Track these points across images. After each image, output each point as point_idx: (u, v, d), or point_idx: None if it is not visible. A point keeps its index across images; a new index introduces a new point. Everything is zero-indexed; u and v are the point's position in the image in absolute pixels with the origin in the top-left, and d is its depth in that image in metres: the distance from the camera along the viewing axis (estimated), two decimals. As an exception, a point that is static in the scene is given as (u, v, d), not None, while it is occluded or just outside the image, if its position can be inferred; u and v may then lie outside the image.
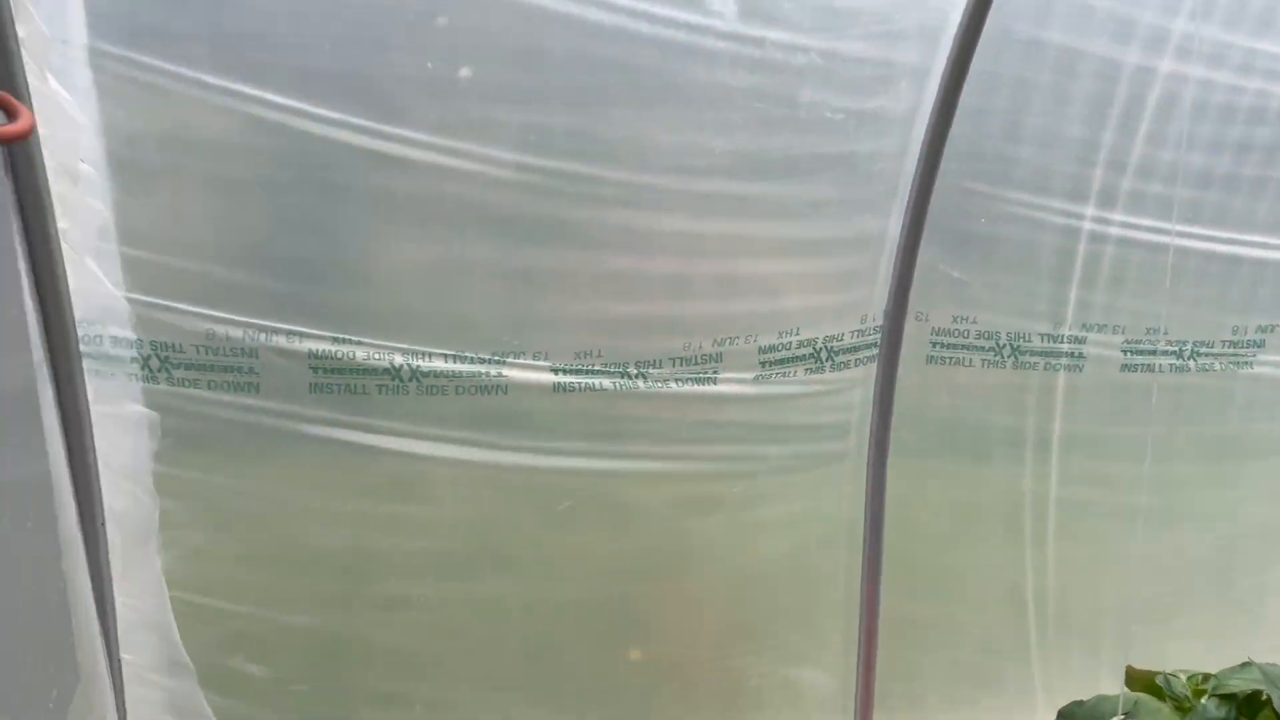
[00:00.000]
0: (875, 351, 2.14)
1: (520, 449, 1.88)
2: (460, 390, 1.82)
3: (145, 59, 1.54)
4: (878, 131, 1.95)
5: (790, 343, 2.02)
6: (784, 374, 2.04)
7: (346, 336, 1.76)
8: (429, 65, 1.64)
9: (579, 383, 1.87)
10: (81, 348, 1.70)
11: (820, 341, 2.05)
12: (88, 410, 1.74)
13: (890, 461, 2.21)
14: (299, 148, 1.65)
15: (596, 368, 1.88)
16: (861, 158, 1.96)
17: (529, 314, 1.83)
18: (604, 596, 2.02)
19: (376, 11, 1.57)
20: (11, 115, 0.67)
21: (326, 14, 1.55)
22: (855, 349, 2.11)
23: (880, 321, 2.12)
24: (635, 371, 1.90)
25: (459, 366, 1.81)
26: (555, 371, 1.86)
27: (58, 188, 1.59)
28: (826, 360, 2.09)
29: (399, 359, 1.79)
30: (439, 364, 1.81)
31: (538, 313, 1.84)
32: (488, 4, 1.63)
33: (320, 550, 1.89)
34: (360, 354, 1.77)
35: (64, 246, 1.63)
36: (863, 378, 2.16)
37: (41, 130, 1.55)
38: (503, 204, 1.78)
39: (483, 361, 1.82)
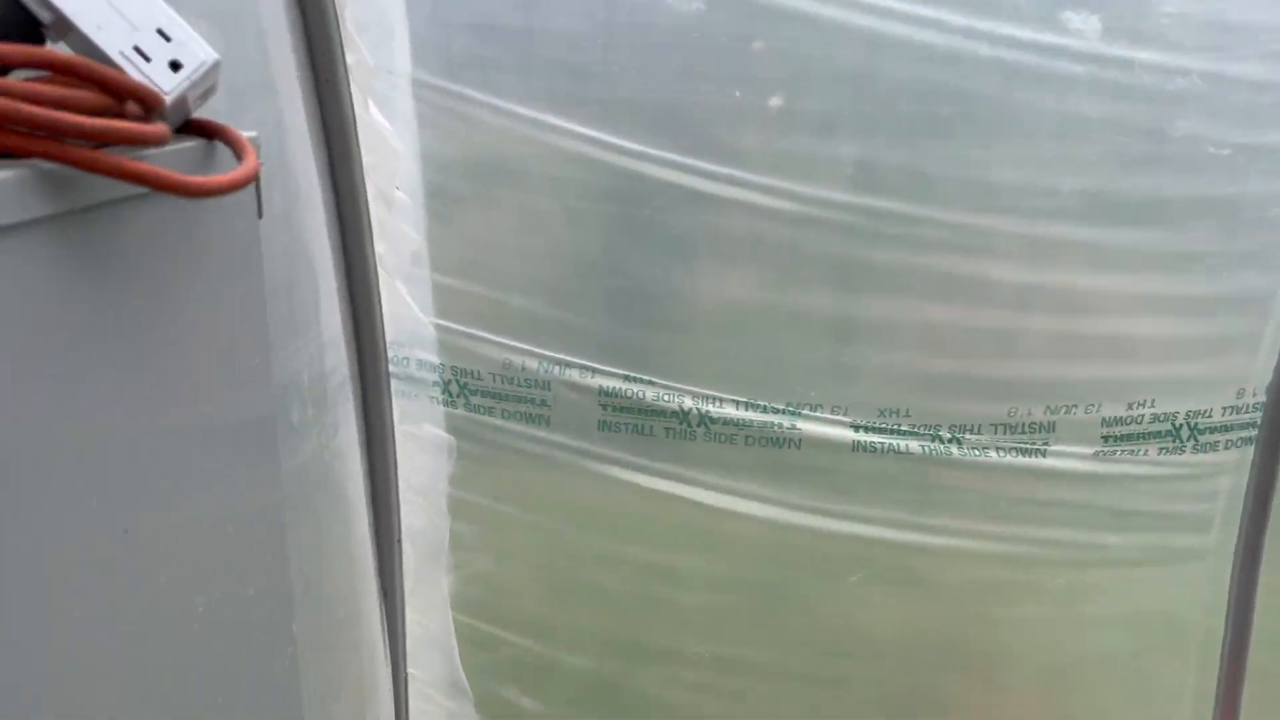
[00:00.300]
0: (1252, 433, 1.78)
1: (811, 510, 1.72)
2: (750, 440, 1.69)
3: (459, 88, 1.54)
4: (1273, 170, 1.61)
5: (1142, 416, 1.72)
6: (1132, 451, 1.73)
7: (637, 375, 1.69)
8: (740, 95, 1.53)
9: (882, 443, 1.69)
10: (390, 368, 1.76)
11: (1181, 417, 1.73)
12: (392, 429, 1.79)
13: (1263, 567, 1.83)
14: (605, 180, 1.60)
15: (903, 428, 1.68)
16: (1250, 202, 1.63)
17: (831, 364, 1.68)
18: (893, 681, 1.81)
19: (687, 37, 1.48)
20: (239, 155, 0.61)
21: (635, 42, 1.48)
22: (1227, 428, 1.77)
23: (1261, 398, 1.76)
24: (949, 436, 1.68)
25: (751, 415, 1.69)
26: (856, 429, 1.68)
27: (376, 213, 1.64)
28: (1188, 439, 1.76)
29: (688, 402, 1.69)
30: (730, 410, 1.69)
31: (841, 363, 1.68)
32: (806, 27, 1.49)
33: (599, 590, 1.83)
34: (650, 394, 1.69)
35: (380, 271, 1.68)
36: (1234, 463, 1.80)
37: (365, 158, 1.60)
38: (814, 244, 1.63)
39: (776, 411, 1.68)
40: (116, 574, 0.58)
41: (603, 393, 1.70)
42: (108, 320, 0.57)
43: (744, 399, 1.68)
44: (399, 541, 1.85)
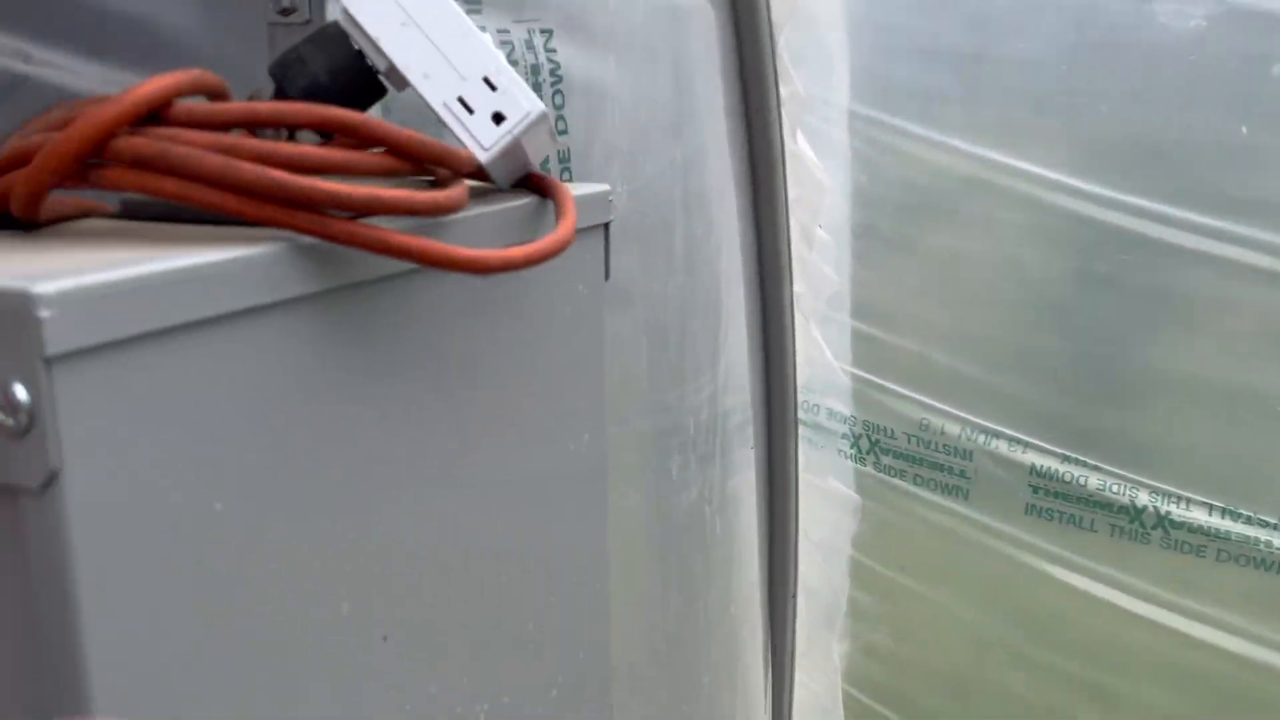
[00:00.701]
0: None
1: (1300, 656, 1.36)
2: (1224, 556, 1.36)
3: (898, 122, 1.39)
4: None
5: None
6: None
7: (1080, 456, 1.43)
8: (1245, 131, 1.22)
9: None
10: (800, 415, 1.65)
11: None
12: (796, 478, 1.69)
13: None
14: (1058, 228, 1.37)
15: None
16: None
17: (1348, 476, 1.31)
18: None
19: (1180, 61, 1.21)
20: (558, 219, 0.53)
21: (1110, 67, 1.23)
22: None
23: None
24: None
25: (1228, 524, 1.36)
26: (1378, 563, 1.30)
27: (797, 250, 1.54)
28: None
29: (1144, 497, 1.40)
30: (1199, 516, 1.37)
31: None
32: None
33: (1009, 696, 1.59)
34: (1093, 481, 1.43)
35: (795, 312, 1.58)
36: None
37: (791, 192, 1.50)
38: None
39: (1265, 525, 1.34)
40: (409, 622, 0.52)
41: (1034, 472, 1.46)
42: (402, 386, 0.51)
43: (1220, 503, 1.36)
44: (793, 597, 1.74)
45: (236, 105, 0.44)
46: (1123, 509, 1.41)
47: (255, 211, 0.42)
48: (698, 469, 1.31)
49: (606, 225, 0.69)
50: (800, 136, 1.44)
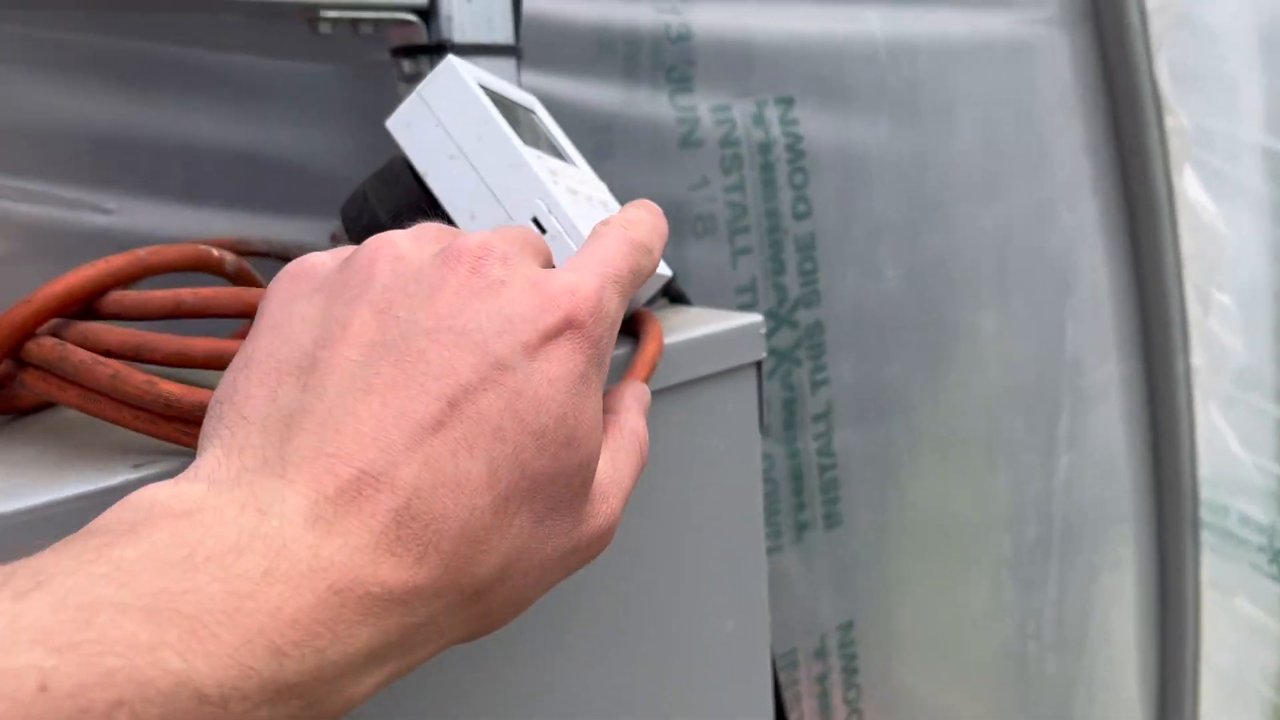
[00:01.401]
0: None
1: None
2: None
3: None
4: None
5: None
6: None
7: None
8: None
9: None
10: (1202, 515, 1.35)
11: None
12: (1196, 591, 1.38)
13: None
14: None
15: None
16: None
17: None
18: None
19: None
20: (645, 341, 0.44)
21: None
22: None
23: None
24: None
25: None
26: None
27: (1191, 312, 1.25)
28: None
29: None
30: None
31: None
32: None
33: None
34: None
35: (1191, 389, 1.29)
36: None
37: (1184, 244, 1.23)
38: None
39: None
40: None
41: None
42: None
43: None
44: (1194, 733, 1.42)
45: (162, 294, 0.38)
46: None
47: (154, 429, 0.36)
48: (1016, 598, 1.08)
49: (759, 364, 0.56)
50: (1191, 178, 1.17)
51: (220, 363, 0.37)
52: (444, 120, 0.48)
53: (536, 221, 0.46)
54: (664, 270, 0.52)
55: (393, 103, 0.49)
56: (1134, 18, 1.11)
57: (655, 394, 0.53)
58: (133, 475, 0.36)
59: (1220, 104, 1.14)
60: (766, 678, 0.59)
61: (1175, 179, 1.18)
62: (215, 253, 0.43)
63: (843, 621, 0.88)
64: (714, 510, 0.55)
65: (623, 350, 0.50)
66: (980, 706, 1.05)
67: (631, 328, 0.51)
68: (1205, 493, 1.32)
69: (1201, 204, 1.17)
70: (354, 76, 0.62)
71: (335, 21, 0.56)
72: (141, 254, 0.40)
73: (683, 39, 0.72)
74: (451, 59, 0.48)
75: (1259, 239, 1.19)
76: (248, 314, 0.39)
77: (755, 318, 0.55)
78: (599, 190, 0.52)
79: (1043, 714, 1.15)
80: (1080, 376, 1.18)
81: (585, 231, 0.45)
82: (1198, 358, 1.27)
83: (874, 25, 0.82)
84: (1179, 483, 1.33)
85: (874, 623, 0.89)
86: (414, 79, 0.60)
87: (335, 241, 0.54)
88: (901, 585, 0.91)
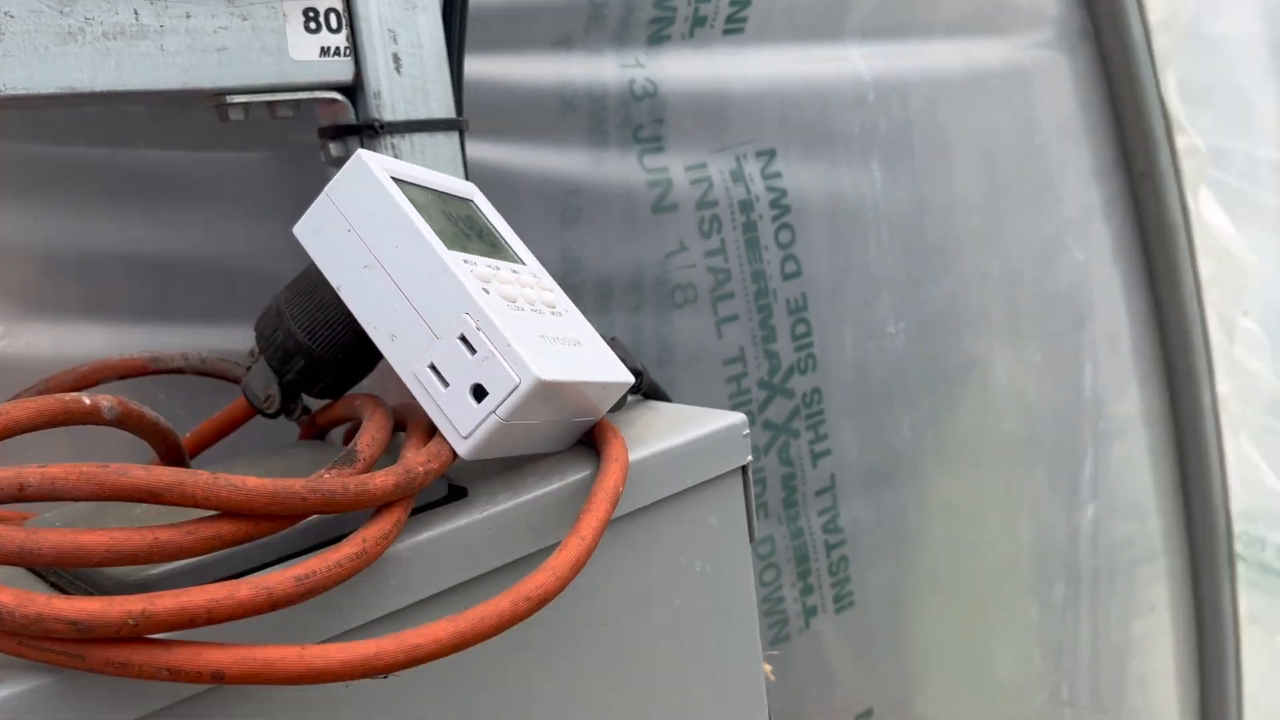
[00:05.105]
0: None
1: None
2: None
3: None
4: None
5: None
6: None
7: None
8: None
9: None
10: (1237, 549, 1.27)
11: None
12: (1235, 628, 1.31)
13: None
14: None
15: None
16: None
17: None
18: None
19: None
20: (586, 507, 0.37)
21: None
22: None
23: None
24: None
25: None
26: None
27: (1215, 339, 1.18)
28: None
29: None
30: None
31: None
32: None
33: None
34: None
35: (1220, 419, 1.22)
36: None
37: (1203, 270, 1.16)
38: None
39: None
40: None
41: None
42: None
43: None
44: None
45: (2, 474, 0.32)
46: None
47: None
48: (1045, 662, 1.01)
49: (745, 468, 0.49)
50: (1209, 201, 1.10)
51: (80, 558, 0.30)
52: (356, 225, 0.41)
53: (464, 339, 0.39)
54: (624, 378, 0.45)
55: (314, 188, 0.43)
56: (1137, 34, 1.05)
57: (626, 518, 0.46)
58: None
59: (1234, 120, 1.08)
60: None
61: (1191, 201, 1.12)
62: (86, 401, 0.37)
63: (861, 710, 0.80)
64: (702, 640, 0.48)
65: (585, 473, 0.43)
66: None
67: (593, 442, 0.45)
68: (1239, 526, 1.26)
69: (1220, 226, 1.10)
70: (280, 163, 0.55)
71: (246, 107, 0.49)
72: (-9, 414, 0.34)
73: (648, 95, 0.65)
74: (361, 154, 0.42)
75: (1277, 259, 1.13)
76: (104, 496, 0.32)
77: (738, 417, 0.48)
78: (546, 291, 0.45)
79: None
80: (1101, 415, 1.11)
81: (521, 349, 0.39)
82: (1224, 386, 1.20)
83: (860, 65, 0.75)
84: (1211, 517, 1.26)
85: (895, 708, 0.82)
86: (341, 163, 0.53)
87: (253, 357, 0.48)
88: (923, 664, 0.84)
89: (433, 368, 0.40)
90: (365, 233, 0.41)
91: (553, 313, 0.44)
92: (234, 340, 0.53)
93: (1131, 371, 1.17)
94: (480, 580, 0.40)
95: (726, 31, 0.68)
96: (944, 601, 0.85)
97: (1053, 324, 0.99)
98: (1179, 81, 1.05)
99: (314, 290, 0.44)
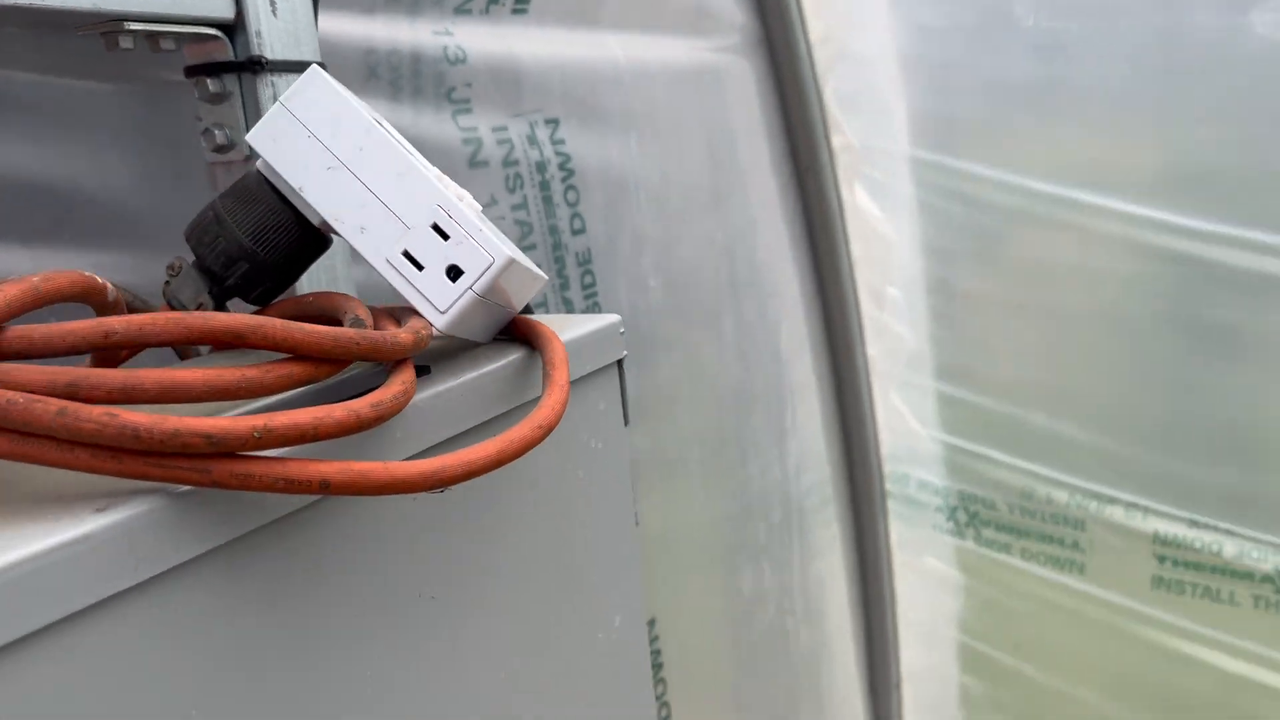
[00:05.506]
0: None
1: None
2: (1392, 627, 1.18)
3: (965, 165, 1.25)
4: None
5: None
6: None
7: (1210, 521, 1.26)
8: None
9: None
10: (887, 487, 1.51)
11: None
12: (888, 557, 1.55)
13: None
14: (1157, 270, 1.21)
15: None
16: None
17: None
18: None
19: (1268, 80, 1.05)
20: (545, 385, 0.42)
21: (1203, 89, 1.08)
22: None
23: None
24: None
25: (1394, 590, 1.18)
26: None
27: (867, 312, 1.41)
28: None
29: (1290, 565, 1.22)
30: (1358, 581, 1.20)
31: None
32: None
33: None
34: (1229, 548, 1.25)
35: (871, 377, 1.45)
36: None
37: (855, 250, 1.38)
38: None
39: None
40: None
41: (1159, 540, 1.29)
42: (337, 641, 0.40)
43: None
44: (897, 687, 1.58)
45: (83, 325, 0.34)
46: (1267, 578, 1.24)
47: (115, 467, 0.32)
48: (774, 578, 1.17)
49: (619, 362, 0.57)
50: (859, 190, 1.32)
51: (189, 394, 0.33)
52: (316, 131, 0.45)
53: (437, 228, 0.45)
54: (541, 273, 0.52)
55: (182, 124, 0.46)
56: (802, 48, 1.25)
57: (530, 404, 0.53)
58: (102, 520, 0.31)
59: (877, 123, 1.30)
60: (645, 652, 0.60)
61: (845, 192, 1.33)
62: (99, 280, 0.38)
63: (647, 620, 0.91)
64: (593, 508, 0.56)
65: (520, 353, 0.50)
66: (756, 682, 1.12)
67: (520, 335, 0.51)
68: (889, 467, 1.49)
69: (870, 212, 1.33)
70: (146, 97, 0.56)
71: (138, 35, 0.51)
72: (35, 281, 0.35)
73: (460, 61, 0.72)
74: (316, 69, 0.46)
75: (913, 238, 1.37)
76: (192, 340, 0.35)
77: (614, 318, 0.57)
78: (462, 190, 0.51)
79: (801, 685, 1.25)
80: (790, 375, 1.30)
81: (488, 234, 0.45)
82: (874, 348, 1.43)
83: (617, 51, 0.86)
84: (867, 461, 1.49)
85: (672, 619, 0.93)
86: (219, 99, 0.55)
87: (172, 272, 0.49)
88: (690, 581, 0.95)
89: (406, 254, 0.45)
90: (327, 138, 0.45)
91: (474, 211, 0.51)
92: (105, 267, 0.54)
93: (805, 338, 1.37)
94: (461, 436, 0.45)
95: (514, 11, 0.77)
96: (701, 526, 0.97)
97: (757, 290, 1.16)
98: (835, 89, 1.26)
99: (257, 197, 0.47)
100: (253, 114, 0.56)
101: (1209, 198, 1.13)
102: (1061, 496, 1.35)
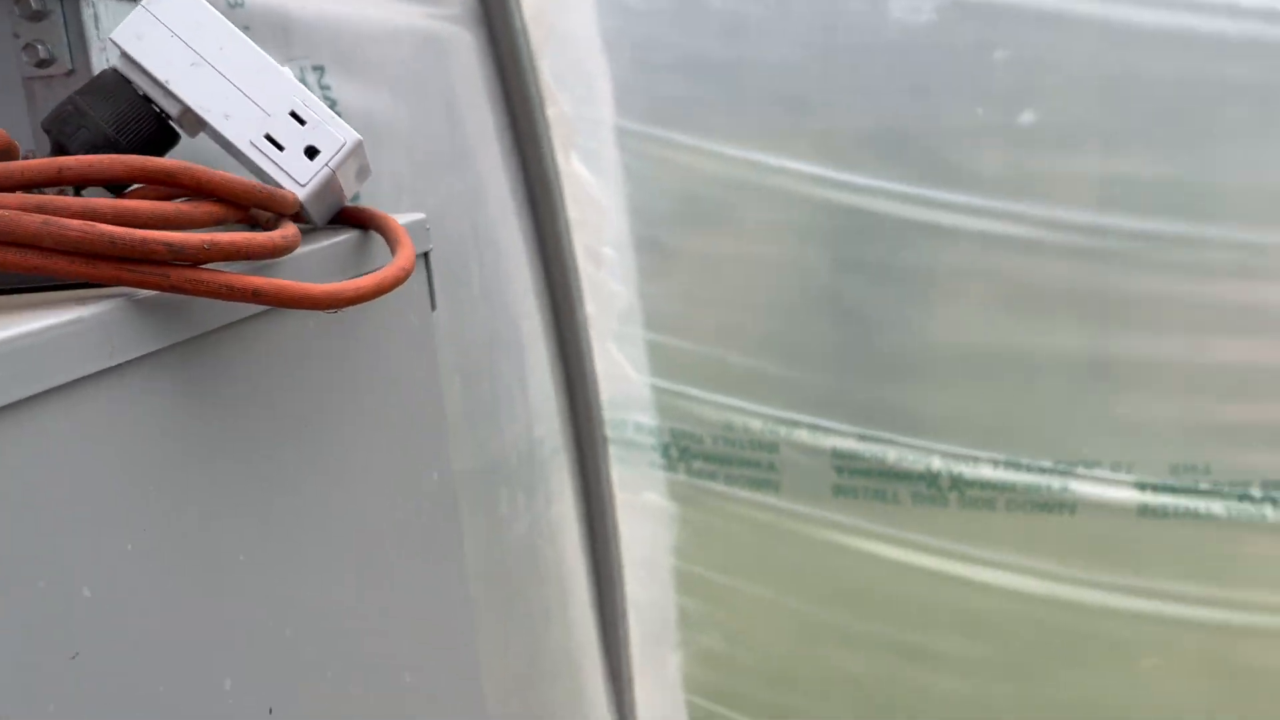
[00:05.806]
0: None
1: (1090, 584, 1.48)
2: (1012, 506, 1.47)
3: (665, 133, 1.42)
4: None
5: None
6: None
7: (875, 434, 1.51)
8: (980, 112, 1.33)
9: (1177, 505, 1.43)
10: (607, 433, 1.66)
11: None
12: (611, 498, 1.69)
13: None
14: (829, 221, 1.44)
15: (1203, 487, 1.42)
16: None
17: (1106, 415, 1.44)
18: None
19: (917, 54, 1.30)
20: (393, 249, 0.50)
21: (858, 65, 1.31)
22: None
23: None
24: (1260, 495, 1.41)
25: (1011, 475, 1.47)
26: (1143, 489, 1.43)
27: (585, 271, 1.55)
28: None
29: (937, 463, 1.49)
30: (986, 471, 1.48)
31: (1119, 414, 1.44)
32: (1058, 28, 1.28)
33: (839, 672, 1.65)
34: (891, 455, 1.51)
35: (590, 332, 1.59)
36: None
37: (571, 215, 1.51)
38: (1074, 277, 1.41)
39: (1043, 471, 1.46)
40: (292, 689, 0.48)
41: (836, 454, 1.53)
42: (253, 440, 0.47)
43: (1002, 457, 1.47)
44: (624, 615, 1.74)
45: (42, 161, 0.39)
46: (920, 476, 1.50)
47: (89, 271, 0.38)
48: (525, 501, 1.29)
49: (426, 254, 0.67)
50: (574, 158, 1.45)
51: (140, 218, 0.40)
52: (179, 32, 0.52)
53: (294, 115, 0.52)
54: (370, 166, 0.61)
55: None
56: (517, 24, 1.36)
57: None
58: (84, 311, 0.37)
59: (585, 95, 1.44)
60: (455, 508, 0.69)
61: (561, 159, 1.46)
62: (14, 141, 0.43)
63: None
64: (414, 374, 0.65)
65: (354, 233, 0.58)
66: (500, 600, 1.23)
67: (352, 221, 0.59)
68: (609, 413, 1.64)
69: (584, 178, 1.47)
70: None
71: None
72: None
73: (239, 5, 0.77)
74: (178, -24, 0.52)
75: (620, 200, 1.52)
76: (133, 178, 0.41)
77: (421, 215, 0.66)
78: None
79: (550, 608, 1.37)
80: (521, 331, 1.41)
81: (338, 120, 0.53)
82: (592, 306, 1.57)
83: (371, 10, 0.93)
84: (589, 410, 1.63)
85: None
86: (40, 16, 0.59)
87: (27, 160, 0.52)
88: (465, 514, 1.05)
89: (268, 137, 0.52)
90: (190, 39, 0.51)
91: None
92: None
93: (532, 296, 1.49)
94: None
95: (281, -37, 0.83)
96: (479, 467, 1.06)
97: (494, 249, 1.27)
98: (550, 63, 1.39)
99: (116, 91, 0.52)
100: (74, 31, 0.60)
101: (863, 157, 1.36)
102: (756, 425, 1.55)
